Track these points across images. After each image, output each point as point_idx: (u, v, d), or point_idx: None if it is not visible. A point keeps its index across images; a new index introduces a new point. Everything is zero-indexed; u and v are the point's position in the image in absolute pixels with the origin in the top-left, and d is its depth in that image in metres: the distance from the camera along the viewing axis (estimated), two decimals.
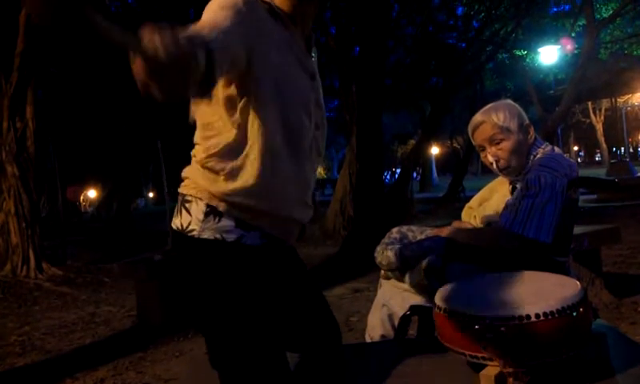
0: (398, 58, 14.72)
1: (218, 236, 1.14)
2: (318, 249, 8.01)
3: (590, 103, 24.18)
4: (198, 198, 1.15)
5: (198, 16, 1.24)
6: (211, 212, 1.14)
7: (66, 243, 8.65)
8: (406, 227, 2.06)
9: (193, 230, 1.15)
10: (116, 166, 16.18)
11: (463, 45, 14.46)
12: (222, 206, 1.14)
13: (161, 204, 22.56)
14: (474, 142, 1.95)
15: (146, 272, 4.15)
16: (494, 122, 1.84)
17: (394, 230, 2.05)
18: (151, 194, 32.45)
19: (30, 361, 3.67)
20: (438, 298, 1.27)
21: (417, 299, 1.84)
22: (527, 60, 14.89)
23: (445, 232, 1.91)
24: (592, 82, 12.35)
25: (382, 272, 2.05)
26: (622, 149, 19.67)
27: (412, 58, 14.69)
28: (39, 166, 7.60)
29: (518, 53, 14.66)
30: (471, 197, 2.25)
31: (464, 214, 2.17)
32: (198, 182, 1.16)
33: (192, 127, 1.27)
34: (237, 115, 1.12)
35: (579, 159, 40.90)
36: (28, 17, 6.64)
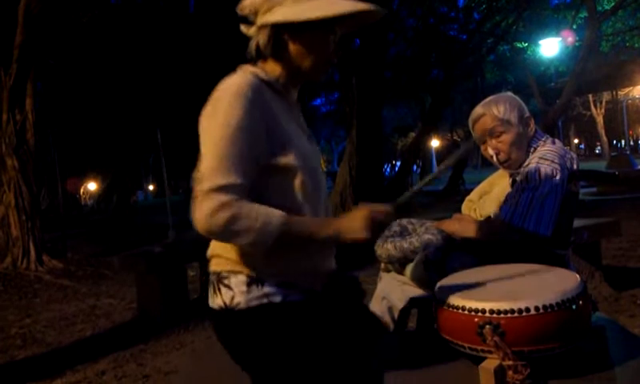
0: (398, 51, 14.69)
1: (265, 301, 1.18)
2: None
3: (590, 96, 24.16)
4: (235, 272, 1.20)
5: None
6: (253, 281, 1.19)
7: (66, 236, 8.67)
8: (406, 220, 2.06)
9: (239, 303, 1.18)
10: (116, 159, 16.17)
11: (464, 37, 14.42)
12: (262, 274, 1.19)
13: (161, 197, 22.57)
14: (474, 135, 1.94)
15: (147, 265, 4.15)
16: (494, 114, 1.84)
17: (394, 222, 2.05)
18: (151, 187, 32.49)
19: (30, 353, 3.68)
20: (438, 291, 1.27)
21: (416, 292, 1.84)
22: (528, 52, 14.84)
23: (445, 225, 1.91)
24: (593, 74, 12.32)
25: (382, 265, 2.05)
26: (623, 141, 19.67)
27: (413, 51, 14.65)
28: (39, 158, 7.59)
29: (518, 45, 14.60)
30: (471, 190, 2.25)
31: (464, 207, 2.17)
32: (230, 257, 1.20)
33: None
34: (267, 189, 1.18)
35: (580, 152, 40.88)
36: (27, 8, 6.63)
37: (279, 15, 1.21)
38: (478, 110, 1.89)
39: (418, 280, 1.84)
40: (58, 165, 9.69)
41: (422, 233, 1.91)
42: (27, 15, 6.65)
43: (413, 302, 1.75)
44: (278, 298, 1.18)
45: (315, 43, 1.25)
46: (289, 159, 1.18)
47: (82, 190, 27.16)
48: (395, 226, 2.04)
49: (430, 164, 29.08)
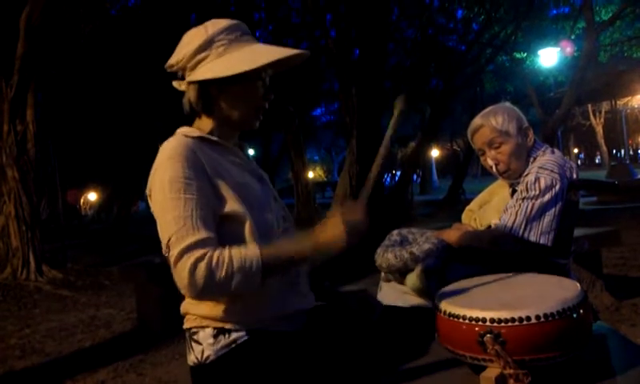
0: (397, 61, 14.75)
1: (233, 345, 1.20)
2: None
3: (590, 106, 24.22)
4: (203, 327, 1.22)
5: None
6: (219, 332, 1.21)
7: (66, 246, 8.65)
8: (406, 229, 2.06)
9: (209, 356, 1.20)
10: (116, 169, 16.18)
11: (463, 47, 14.49)
12: (228, 325, 1.21)
13: None
14: (473, 146, 1.95)
15: (146, 275, 4.15)
16: (492, 125, 1.85)
17: (395, 232, 2.05)
18: None
19: (30, 363, 3.66)
20: (438, 300, 1.27)
21: (417, 301, 1.84)
22: (527, 62, 14.88)
23: (445, 234, 1.91)
24: (592, 84, 12.35)
25: (382, 274, 2.05)
26: (622, 151, 19.67)
27: (412, 61, 14.71)
28: (39, 168, 7.60)
29: (517, 55, 14.66)
30: (471, 199, 2.25)
31: (464, 217, 2.17)
32: (198, 313, 1.23)
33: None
34: (221, 238, 1.18)
35: (579, 161, 40.92)
36: (28, 20, 6.66)
37: (205, 72, 1.23)
38: (477, 121, 1.90)
39: (418, 289, 1.84)
40: (58, 175, 9.70)
41: (423, 242, 1.91)
42: (28, 26, 6.69)
43: None
44: (244, 338, 1.20)
45: (242, 94, 1.27)
46: (232, 206, 1.19)
47: (82, 201, 27.16)
48: (395, 236, 2.04)
49: (429, 174, 29.09)
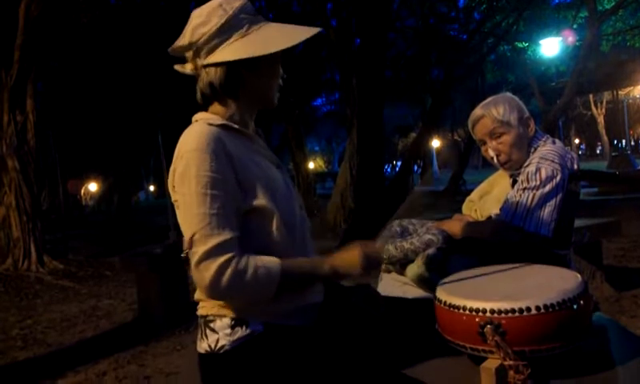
0: (398, 51, 14.70)
1: (249, 338, 1.19)
2: (319, 242, 8.01)
3: (591, 96, 24.14)
4: (220, 315, 1.20)
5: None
6: (237, 323, 1.19)
7: (67, 237, 8.68)
8: (406, 220, 2.06)
9: (224, 346, 1.19)
10: (117, 159, 16.18)
11: (464, 37, 14.42)
12: (246, 317, 1.19)
13: (162, 197, 22.60)
14: (474, 137, 1.94)
15: (147, 265, 4.15)
16: (493, 116, 1.84)
17: (395, 223, 2.05)
18: (152, 188, 32.54)
19: (31, 354, 3.68)
20: (439, 291, 1.27)
21: (417, 292, 1.84)
22: (529, 52, 14.81)
23: (446, 225, 1.91)
24: (593, 74, 12.31)
25: (383, 266, 2.05)
26: (624, 141, 19.66)
27: (413, 51, 14.66)
28: (40, 159, 7.60)
29: (519, 45, 14.59)
30: (472, 190, 2.25)
31: (465, 207, 2.16)
32: (215, 301, 1.20)
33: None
34: (246, 233, 1.17)
35: (580, 152, 40.85)
36: (27, 9, 6.63)
37: (234, 52, 1.19)
38: (478, 111, 1.89)
39: (418, 280, 1.84)
40: (58, 165, 9.70)
41: (423, 233, 1.90)
42: (27, 16, 6.66)
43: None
44: (260, 330, 1.19)
45: (270, 73, 1.26)
46: (260, 200, 1.18)
47: (82, 191, 27.19)
48: (396, 227, 2.04)
49: (430, 164, 29.05)
